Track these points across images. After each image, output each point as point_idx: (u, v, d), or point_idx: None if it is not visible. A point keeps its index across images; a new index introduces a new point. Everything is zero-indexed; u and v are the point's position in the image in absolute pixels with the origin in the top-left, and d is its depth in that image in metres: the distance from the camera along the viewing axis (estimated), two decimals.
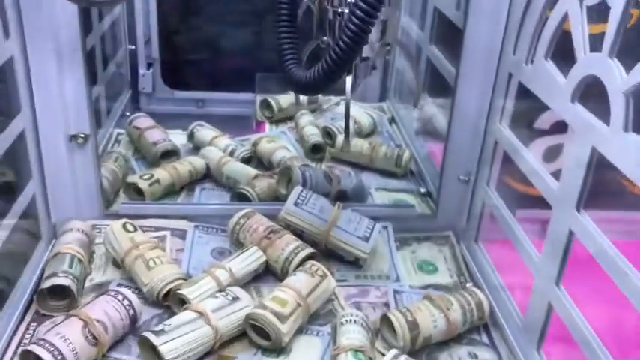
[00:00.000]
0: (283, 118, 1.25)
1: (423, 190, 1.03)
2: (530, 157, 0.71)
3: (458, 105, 0.84)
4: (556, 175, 0.69)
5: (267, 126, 1.24)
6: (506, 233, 0.75)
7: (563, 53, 0.65)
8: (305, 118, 1.19)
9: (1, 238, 0.69)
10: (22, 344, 0.69)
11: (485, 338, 0.75)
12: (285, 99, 1.25)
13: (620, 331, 0.71)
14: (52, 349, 0.62)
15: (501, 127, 0.78)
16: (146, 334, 0.65)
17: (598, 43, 0.56)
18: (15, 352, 0.68)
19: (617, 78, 0.52)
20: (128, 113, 1.23)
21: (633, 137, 0.51)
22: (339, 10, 0.67)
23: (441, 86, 1.03)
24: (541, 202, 0.70)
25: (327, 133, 1.16)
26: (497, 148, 0.80)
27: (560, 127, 0.68)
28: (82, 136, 0.82)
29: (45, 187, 0.81)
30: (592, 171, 0.57)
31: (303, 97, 1.22)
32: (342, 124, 1.18)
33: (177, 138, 1.13)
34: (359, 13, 0.59)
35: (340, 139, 1.12)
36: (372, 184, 1.05)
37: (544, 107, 0.68)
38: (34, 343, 0.63)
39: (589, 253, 0.58)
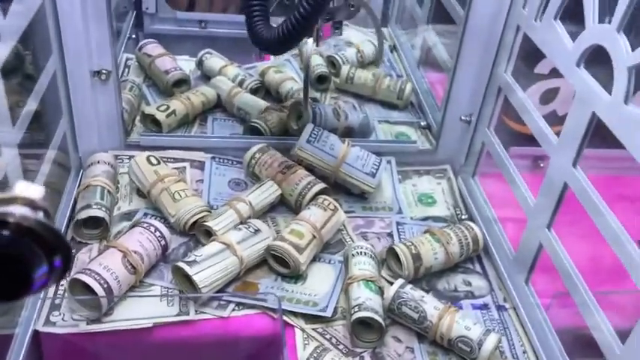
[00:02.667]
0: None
1: (423, 123, 1.09)
2: (533, 107, 0.76)
3: (464, 50, 0.89)
4: (548, 117, 0.75)
5: None
6: (504, 175, 0.82)
7: (572, 17, 0.69)
8: (310, 47, 1.21)
9: (43, 172, 0.74)
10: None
11: (478, 268, 0.85)
12: None
13: (598, 265, 0.80)
14: (98, 277, 0.70)
15: (506, 75, 0.83)
16: (180, 264, 0.73)
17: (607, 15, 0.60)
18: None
19: (623, 52, 0.57)
20: (134, 36, 1.24)
21: (632, 109, 0.57)
22: None
23: (443, 17, 1.06)
24: (535, 141, 0.76)
25: (332, 63, 1.19)
26: (500, 94, 0.85)
27: (557, 72, 0.73)
28: (105, 72, 0.85)
29: (73, 122, 0.85)
30: (590, 133, 0.64)
31: None
32: (347, 53, 1.21)
33: (185, 64, 1.15)
34: None
35: (345, 68, 1.15)
36: (374, 115, 1.11)
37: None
38: (81, 272, 0.70)
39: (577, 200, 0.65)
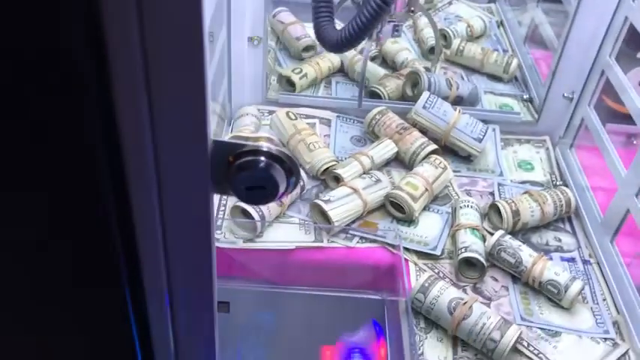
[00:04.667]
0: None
1: (525, 96, 1.19)
2: (632, 88, 0.86)
3: (573, 31, 0.98)
4: None
5: None
6: (599, 148, 0.93)
7: None
8: (423, 20, 1.33)
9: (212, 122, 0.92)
10: (222, 199, 0.94)
11: (568, 227, 0.96)
12: None
13: None
14: (256, 206, 0.87)
15: (610, 58, 0.92)
16: (318, 201, 0.89)
17: None
18: (219, 206, 0.93)
19: None
20: None
21: None
22: None
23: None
24: (630, 119, 0.86)
25: (443, 35, 1.31)
26: (602, 75, 0.95)
27: None
28: (257, 38, 1.01)
29: (230, 80, 1.02)
30: None
31: None
32: (457, 27, 1.32)
33: (312, 32, 1.30)
34: None
35: (456, 42, 1.26)
36: (480, 86, 1.22)
37: None
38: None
39: None
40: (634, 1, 0.86)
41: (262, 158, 0.49)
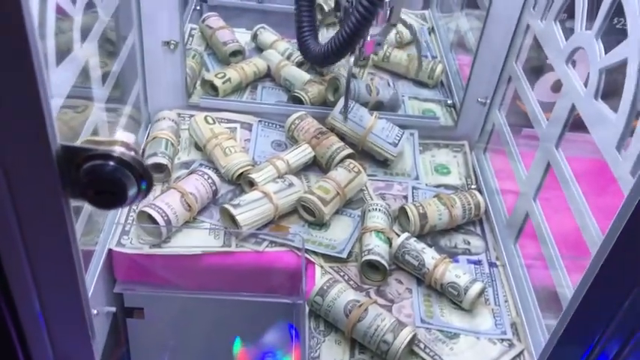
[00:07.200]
0: (332, 22, 1.40)
1: (449, 102, 1.21)
2: (532, 94, 0.88)
3: (485, 36, 1.00)
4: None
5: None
6: (506, 152, 0.95)
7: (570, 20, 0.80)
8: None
9: (121, 124, 0.91)
10: (132, 206, 0.94)
11: (478, 230, 0.98)
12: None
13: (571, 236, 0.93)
14: (161, 211, 0.87)
15: (515, 65, 0.95)
16: (226, 206, 0.89)
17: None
18: (128, 211, 0.93)
19: (597, 56, 0.69)
20: (198, 7, 1.40)
21: (599, 104, 0.69)
22: None
23: (475, 3, 1.17)
24: None
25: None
26: (510, 81, 0.97)
27: None
28: (173, 42, 1.01)
29: (145, 84, 1.02)
30: (570, 121, 0.76)
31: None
32: (390, 36, 1.33)
33: (242, 37, 1.30)
34: (363, 4, 0.75)
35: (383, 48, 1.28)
36: (406, 92, 1.24)
37: None
38: (147, 206, 0.88)
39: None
40: (534, 8, 0.88)
41: (111, 163, 0.49)
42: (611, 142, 0.65)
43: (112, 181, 0.48)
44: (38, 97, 0.42)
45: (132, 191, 0.49)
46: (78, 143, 0.49)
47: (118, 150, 0.49)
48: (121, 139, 0.51)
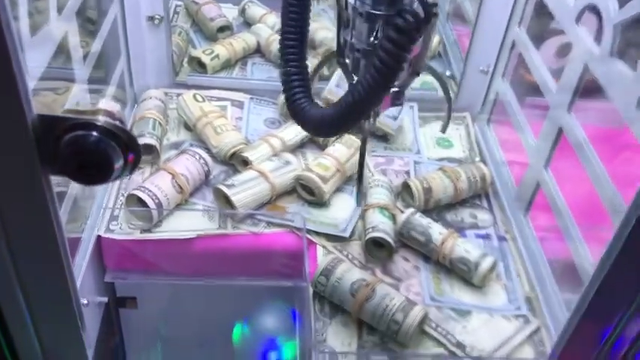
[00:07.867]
0: None
1: (448, 73, 1.16)
2: (539, 59, 0.84)
3: (485, 4, 0.96)
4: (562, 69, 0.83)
5: None
6: (512, 122, 0.91)
7: None
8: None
9: (103, 104, 0.86)
10: (120, 189, 0.89)
11: (484, 203, 0.94)
12: None
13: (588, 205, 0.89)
14: (151, 194, 0.82)
15: (519, 29, 0.90)
16: (220, 186, 0.84)
17: None
18: (117, 195, 0.88)
19: (611, 11, 0.65)
20: None
21: (616, 62, 0.64)
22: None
23: None
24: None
25: None
26: (514, 47, 0.92)
27: None
28: (158, 17, 0.96)
29: (129, 62, 0.96)
30: (582, 83, 0.71)
31: None
32: None
33: (229, 12, 1.25)
34: (386, 53, 0.48)
35: None
36: None
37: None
38: (136, 189, 0.82)
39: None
40: None
41: (94, 133, 0.44)
42: (630, 101, 0.61)
43: (96, 152, 0.43)
44: (7, 57, 0.37)
45: (118, 164, 0.44)
46: (57, 113, 0.44)
47: (101, 119, 0.44)
48: (104, 108, 0.46)
